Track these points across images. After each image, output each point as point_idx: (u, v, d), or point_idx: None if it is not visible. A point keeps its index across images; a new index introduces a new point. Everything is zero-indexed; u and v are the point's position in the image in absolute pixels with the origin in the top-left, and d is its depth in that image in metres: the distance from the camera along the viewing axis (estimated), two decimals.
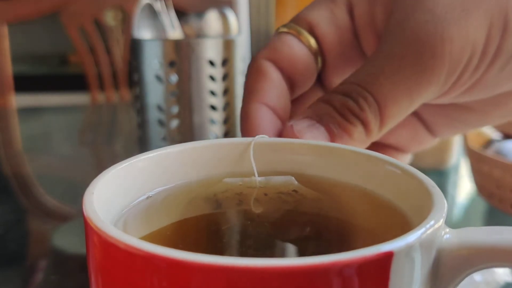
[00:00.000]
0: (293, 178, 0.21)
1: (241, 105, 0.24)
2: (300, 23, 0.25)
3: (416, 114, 0.27)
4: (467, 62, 0.21)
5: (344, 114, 0.22)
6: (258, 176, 0.21)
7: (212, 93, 0.49)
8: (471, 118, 0.26)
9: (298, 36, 0.24)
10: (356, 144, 0.22)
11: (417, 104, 0.22)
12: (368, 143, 0.22)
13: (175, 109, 0.49)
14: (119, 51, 1.14)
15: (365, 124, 0.22)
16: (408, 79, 0.21)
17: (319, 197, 0.20)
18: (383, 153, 0.27)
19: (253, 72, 0.24)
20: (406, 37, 0.21)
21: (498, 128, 0.51)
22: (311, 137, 0.21)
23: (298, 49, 0.24)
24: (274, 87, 0.23)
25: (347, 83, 0.22)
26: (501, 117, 0.25)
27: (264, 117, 0.23)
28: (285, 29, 0.24)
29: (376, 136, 0.22)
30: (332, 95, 0.22)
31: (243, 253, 0.17)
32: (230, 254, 0.17)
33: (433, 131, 0.28)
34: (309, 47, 0.24)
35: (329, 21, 0.24)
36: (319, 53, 0.25)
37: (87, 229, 0.14)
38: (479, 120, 0.26)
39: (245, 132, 0.23)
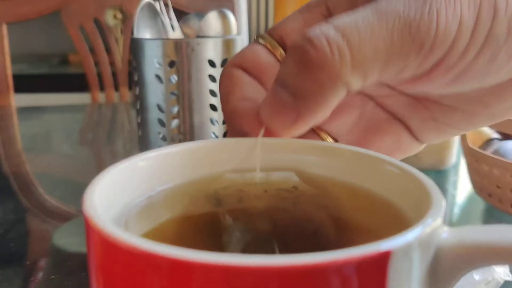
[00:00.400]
0: (293, 173, 0.21)
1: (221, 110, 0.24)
2: (274, 34, 0.25)
3: (400, 120, 0.27)
4: (454, 40, 0.20)
5: (299, 71, 0.19)
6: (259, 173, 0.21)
7: (212, 93, 0.49)
8: (458, 119, 0.25)
9: (269, 47, 0.25)
10: (325, 93, 0.19)
11: (393, 66, 0.20)
12: (340, 88, 0.19)
13: (175, 109, 0.49)
14: (119, 51, 1.14)
15: (324, 67, 0.19)
16: (391, 34, 0.19)
17: (318, 194, 0.20)
18: None
19: (226, 78, 0.25)
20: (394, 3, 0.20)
21: (497, 128, 0.51)
22: (277, 126, 0.20)
23: (265, 59, 0.25)
24: (249, 86, 0.24)
25: (314, 26, 0.20)
26: (489, 118, 0.25)
27: (249, 107, 0.23)
28: (258, 40, 0.25)
29: (351, 80, 0.19)
30: (288, 54, 0.20)
31: (243, 251, 0.17)
32: (231, 252, 0.17)
33: (419, 137, 0.27)
34: (280, 57, 0.25)
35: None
36: None
37: (87, 228, 0.15)
38: (466, 121, 0.25)
39: (238, 126, 0.23)
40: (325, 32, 0.19)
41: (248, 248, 0.17)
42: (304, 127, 0.20)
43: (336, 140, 0.27)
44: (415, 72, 0.21)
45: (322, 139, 0.26)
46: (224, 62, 0.50)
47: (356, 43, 0.19)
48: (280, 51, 0.25)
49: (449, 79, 0.22)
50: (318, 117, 0.20)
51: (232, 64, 0.25)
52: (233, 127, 0.23)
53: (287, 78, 0.20)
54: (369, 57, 0.19)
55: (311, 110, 0.19)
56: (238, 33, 0.53)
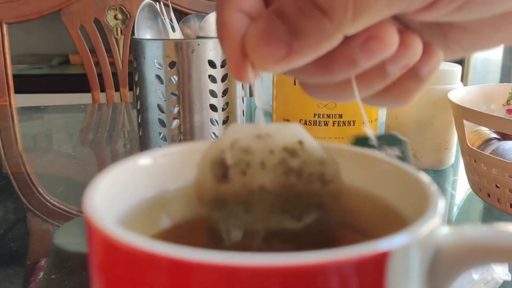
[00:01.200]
0: (298, 125, 0.20)
1: (216, 13, 0.22)
2: None
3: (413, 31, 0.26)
4: None
5: (302, 9, 0.19)
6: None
7: (212, 93, 0.50)
8: (467, 39, 0.25)
9: None
10: (322, 38, 0.19)
11: (398, 4, 0.20)
12: (337, 36, 0.19)
13: (175, 109, 0.49)
14: (119, 52, 1.14)
15: (329, 14, 0.18)
16: None
17: (322, 159, 0.20)
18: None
19: None
20: None
21: (496, 128, 0.51)
22: (261, 57, 0.19)
23: None
24: None
25: None
26: (497, 42, 0.24)
27: (242, 24, 0.21)
28: None
29: (349, 28, 0.19)
30: None
31: (243, 246, 0.17)
32: (232, 247, 0.17)
33: None
34: None
35: None
36: None
37: (88, 228, 0.15)
38: (475, 43, 0.25)
39: (224, 40, 0.21)
40: None
41: (249, 243, 0.17)
42: (287, 67, 0.19)
43: None
44: (419, 7, 0.21)
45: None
46: (224, 63, 0.50)
47: None
48: None
49: (453, 8, 0.21)
50: (307, 59, 0.19)
51: None
52: (220, 37, 0.21)
53: (288, 12, 0.19)
54: (370, 8, 0.19)
55: (302, 51, 0.19)
56: None
